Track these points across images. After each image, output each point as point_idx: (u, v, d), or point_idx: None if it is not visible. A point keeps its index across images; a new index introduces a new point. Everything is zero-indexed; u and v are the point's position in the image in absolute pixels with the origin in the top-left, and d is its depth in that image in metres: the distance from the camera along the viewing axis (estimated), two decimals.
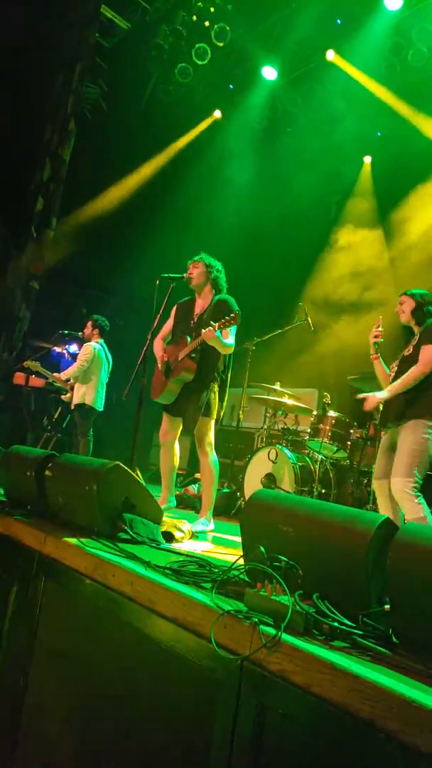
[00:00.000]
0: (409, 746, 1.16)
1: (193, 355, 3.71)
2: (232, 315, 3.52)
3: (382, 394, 3.40)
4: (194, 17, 6.99)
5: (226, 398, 3.91)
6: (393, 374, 3.51)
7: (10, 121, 6.89)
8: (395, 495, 3.18)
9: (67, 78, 7.38)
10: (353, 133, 7.21)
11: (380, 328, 3.62)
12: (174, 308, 4.00)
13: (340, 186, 7.97)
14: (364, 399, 3.50)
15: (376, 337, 3.61)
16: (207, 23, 6.98)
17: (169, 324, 4.01)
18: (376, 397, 3.43)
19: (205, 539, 3.18)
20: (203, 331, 3.51)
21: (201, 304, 3.90)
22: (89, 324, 5.87)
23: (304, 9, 6.45)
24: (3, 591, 2.55)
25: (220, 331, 3.50)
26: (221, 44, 7.05)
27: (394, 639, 1.47)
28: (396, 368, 3.51)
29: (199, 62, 7.30)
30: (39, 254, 7.33)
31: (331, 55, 6.83)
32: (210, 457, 3.74)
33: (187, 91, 7.92)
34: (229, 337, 3.66)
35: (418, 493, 3.11)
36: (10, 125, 6.89)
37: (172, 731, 1.70)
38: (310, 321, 5.63)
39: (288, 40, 6.88)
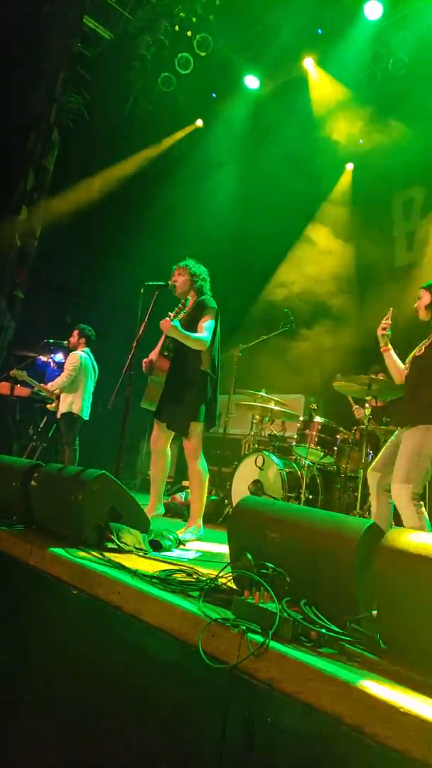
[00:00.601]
0: (397, 752, 1.17)
1: (165, 353, 3.68)
2: (180, 305, 3.52)
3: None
4: (176, 27, 7.04)
5: (217, 403, 3.87)
6: (408, 369, 3.39)
7: None
8: (395, 501, 3.15)
9: (50, 88, 7.38)
10: (335, 141, 7.29)
11: (389, 320, 3.48)
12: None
13: (323, 193, 8.05)
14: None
15: (383, 329, 3.48)
16: (189, 33, 7.02)
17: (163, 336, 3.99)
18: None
19: (193, 547, 3.16)
20: (160, 322, 3.50)
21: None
22: (75, 333, 5.84)
23: (285, 19, 6.53)
24: None
25: (178, 321, 3.48)
26: (204, 54, 7.10)
27: (382, 644, 1.48)
28: (407, 371, 3.39)
29: (182, 72, 7.35)
30: (23, 263, 7.30)
31: (309, 63, 6.91)
32: (198, 463, 3.68)
33: (170, 100, 7.96)
34: (204, 332, 3.60)
35: (419, 501, 3.06)
36: None
37: (160, 740, 1.68)
38: (295, 327, 5.67)
39: (270, 49, 6.95)
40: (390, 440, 3.46)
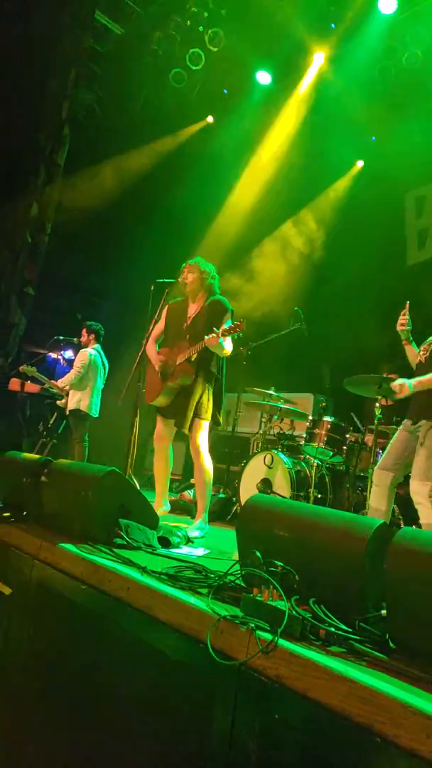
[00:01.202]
0: (406, 751, 1.16)
1: (192, 359, 3.71)
2: (237, 323, 3.53)
3: (410, 384, 3.18)
4: (188, 22, 7.01)
5: (223, 401, 3.90)
6: (423, 358, 3.32)
7: (5, 126, 6.90)
8: (413, 498, 3.14)
9: (62, 83, 7.39)
10: (347, 137, 7.24)
11: (406, 316, 3.45)
12: (165, 309, 3.99)
13: (333, 188, 8.00)
14: (393, 390, 3.26)
15: (402, 324, 3.45)
16: (201, 28, 7.00)
17: (160, 325, 3.99)
18: (406, 386, 3.19)
19: (201, 544, 3.17)
20: (206, 337, 3.50)
21: (194, 308, 3.91)
22: (84, 331, 5.88)
23: (298, 14, 6.49)
24: None
25: (222, 337, 3.51)
26: (215, 49, 7.08)
27: (391, 644, 1.47)
28: (426, 354, 3.32)
29: (193, 67, 7.32)
30: (34, 260, 7.33)
31: (320, 57, 6.86)
32: (202, 459, 3.71)
33: (181, 96, 7.94)
34: (228, 342, 3.67)
35: None
36: (4, 130, 6.90)
37: (169, 737, 1.69)
38: (305, 325, 5.64)
39: (282, 44, 6.91)
40: (395, 436, 3.42)
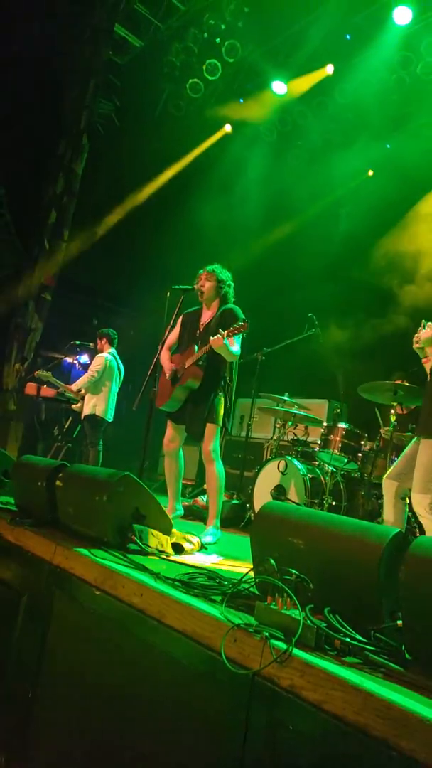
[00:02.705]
0: (423, 766, 1.14)
1: (200, 362, 3.72)
2: (240, 323, 3.53)
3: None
4: (205, 34, 7.11)
5: (233, 407, 3.90)
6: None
7: (25, 135, 7.02)
8: (415, 510, 3.16)
9: (81, 94, 7.52)
10: (362, 145, 7.25)
11: (419, 335, 3.38)
12: (180, 318, 4.03)
13: (348, 197, 8.01)
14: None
15: (416, 343, 3.40)
16: (218, 40, 7.09)
17: (175, 333, 4.02)
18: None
19: (215, 551, 3.16)
20: (211, 338, 3.53)
21: (208, 314, 3.93)
22: (97, 338, 5.93)
23: (313, 24, 6.53)
24: (13, 601, 2.55)
25: (228, 339, 3.51)
26: (232, 60, 7.16)
27: (407, 655, 1.45)
28: (429, 379, 3.34)
29: (210, 78, 7.41)
30: (51, 266, 7.43)
31: (330, 69, 6.89)
32: (215, 465, 3.71)
33: (198, 106, 8.03)
34: (235, 345, 3.67)
35: None
36: (24, 139, 7.02)
37: (181, 745, 1.68)
38: (319, 331, 5.63)
39: (298, 55, 6.96)
40: (407, 448, 3.45)
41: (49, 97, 7.37)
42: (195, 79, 7.56)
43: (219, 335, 3.48)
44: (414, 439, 3.41)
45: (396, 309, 6.37)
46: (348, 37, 6.66)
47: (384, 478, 3.48)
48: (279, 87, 7.47)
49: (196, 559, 2.61)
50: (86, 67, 7.48)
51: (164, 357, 3.96)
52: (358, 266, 7.26)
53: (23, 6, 6.77)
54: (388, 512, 3.39)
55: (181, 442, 3.92)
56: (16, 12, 6.73)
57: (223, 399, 3.77)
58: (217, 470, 3.71)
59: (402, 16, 6.06)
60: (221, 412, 3.74)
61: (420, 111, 6.74)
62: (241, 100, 8.05)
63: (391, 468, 3.48)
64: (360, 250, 7.35)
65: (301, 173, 7.98)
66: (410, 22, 6.08)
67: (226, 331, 3.49)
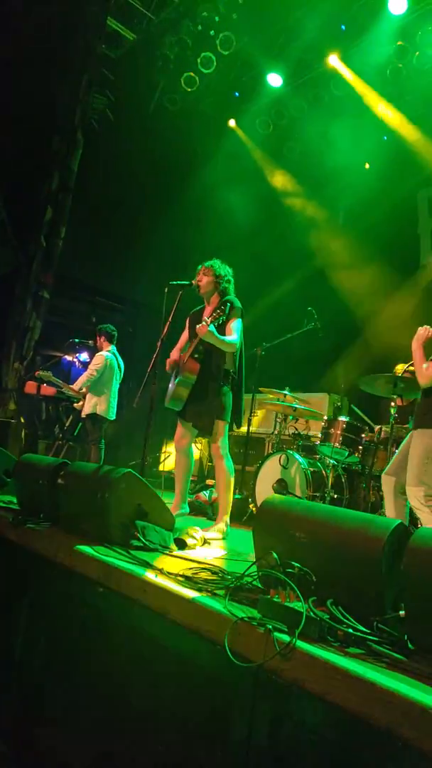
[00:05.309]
0: (427, 755, 1.15)
1: (196, 355, 3.69)
2: (221, 307, 3.50)
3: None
4: (199, 27, 7.04)
5: (241, 404, 3.88)
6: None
7: (19, 131, 6.98)
8: (410, 503, 3.17)
9: (74, 89, 7.46)
10: (359, 137, 7.21)
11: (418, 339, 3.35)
12: (187, 319, 4.01)
13: (347, 190, 7.97)
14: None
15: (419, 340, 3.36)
16: (212, 32, 7.02)
17: (184, 335, 4.00)
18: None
19: (218, 546, 3.17)
20: (197, 327, 3.50)
21: (209, 310, 3.91)
22: (96, 335, 5.92)
23: (308, 16, 6.48)
24: (18, 598, 2.56)
25: (215, 326, 3.48)
26: (226, 53, 7.10)
27: (410, 645, 1.46)
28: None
29: (205, 71, 7.35)
30: (49, 264, 7.40)
31: (333, 60, 6.84)
32: (224, 461, 3.68)
33: (193, 99, 7.98)
34: (233, 334, 3.62)
35: None
36: (18, 136, 6.98)
37: (186, 738, 1.69)
38: (319, 326, 5.62)
39: (293, 47, 6.91)
40: (403, 443, 3.46)
41: (43, 93, 7.32)
42: (189, 73, 7.51)
43: (203, 323, 3.45)
44: (409, 434, 3.42)
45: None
46: (343, 27, 6.62)
47: (383, 474, 3.50)
48: (275, 79, 7.41)
49: (199, 554, 2.62)
50: (79, 61, 7.42)
51: (173, 357, 3.93)
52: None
53: (15, 1, 6.73)
54: (390, 508, 3.39)
55: (192, 438, 3.89)
56: (8, 7, 6.68)
57: (230, 393, 3.74)
58: (226, 466, 3.67)
59: (397, 5, 6.00)
60: (228, 407, 3.70)
61: (416, 101, 6.70)
62: (237, 94, 8.01)
63: (389, 464, 3.49)
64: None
65: (299, 166, 7.96)
66: (405, 12, 6.03)
67: (210, 318, 3.47)
